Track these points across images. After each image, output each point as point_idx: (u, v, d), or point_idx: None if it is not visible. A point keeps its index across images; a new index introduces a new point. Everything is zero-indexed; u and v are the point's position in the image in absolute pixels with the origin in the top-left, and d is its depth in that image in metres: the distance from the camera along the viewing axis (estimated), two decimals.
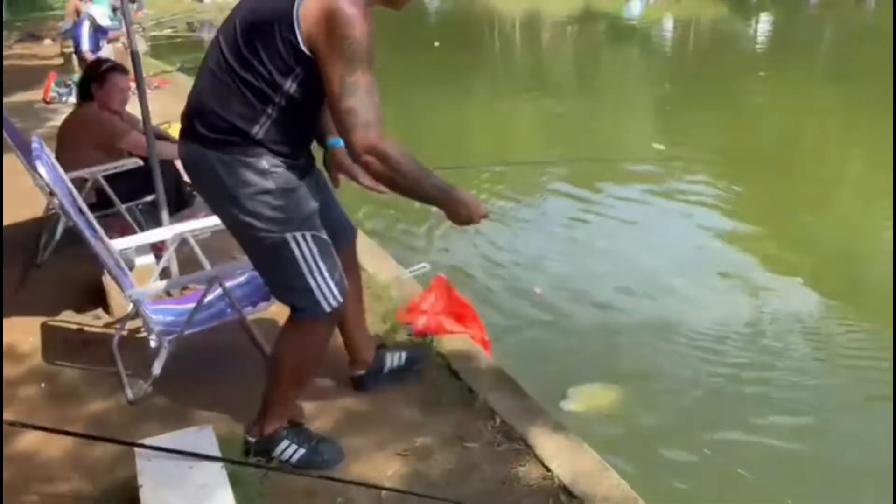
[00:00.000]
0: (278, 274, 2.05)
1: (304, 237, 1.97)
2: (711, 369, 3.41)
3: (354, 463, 2.22)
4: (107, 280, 3.12)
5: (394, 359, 2.57)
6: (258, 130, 1.87)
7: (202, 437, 2.01)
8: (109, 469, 2.19)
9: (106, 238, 2.77)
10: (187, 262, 3.16)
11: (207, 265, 2.94)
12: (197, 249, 2.98)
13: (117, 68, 3.94)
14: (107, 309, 3.15)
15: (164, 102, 7.91)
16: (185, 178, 4.22)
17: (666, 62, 13.35)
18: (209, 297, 2.69)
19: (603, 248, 4.85)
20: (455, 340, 2.83)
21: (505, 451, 2.25)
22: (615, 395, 3.13)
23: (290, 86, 1.83)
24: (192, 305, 2.61)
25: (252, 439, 2.19)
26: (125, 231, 3.74)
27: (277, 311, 2.76)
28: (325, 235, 2.04)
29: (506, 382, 2.57)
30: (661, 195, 5.87)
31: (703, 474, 2.73)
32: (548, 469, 2.14)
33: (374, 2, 1.85)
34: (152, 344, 2.55)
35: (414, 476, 2.16)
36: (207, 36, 17.19)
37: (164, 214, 3.24)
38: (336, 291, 2.02)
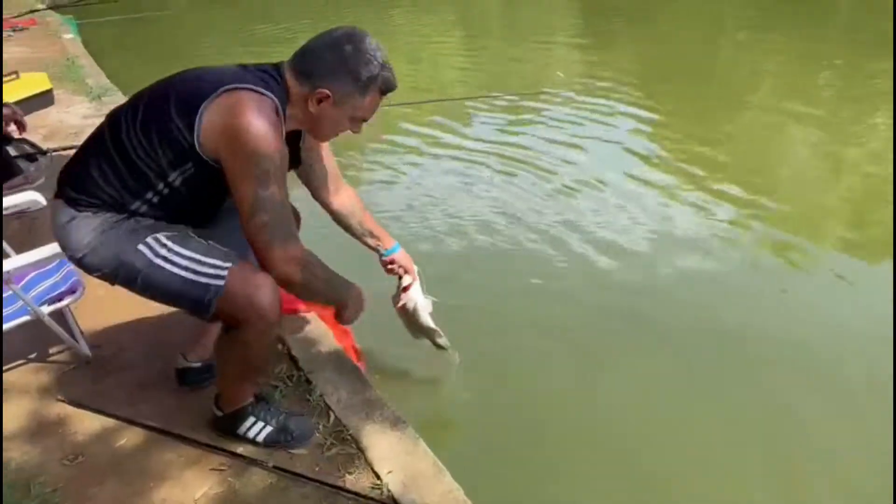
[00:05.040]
0: (167, 295, 1.81)
1: (155, 239, 1.79)
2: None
3: (161, 484, 1.94)
4: None
5: None
6: (137, 206, 1.79)
7: None
8: None
9: None
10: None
11: (12, 253, 2.56)
12: None
13: None
14: None
15: (27, 46, 7.23)
16: (21, 136, 3.83)
17: None
18: (4, 295, 2.33)
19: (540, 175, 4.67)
20: (299, 320, 2.55)
21: (334, 455, 2.01)
22: None
23: (175, 178, 1.75)
24: None
25: (219, 414, 2.05)
26: None
27: (111, 298, 2.45)
28: (178, 230, 1.82)
29: (347, 370, 2.31)
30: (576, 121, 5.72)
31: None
32: (378, 477, 1.91)
33: (294, 121, 1.80)
34: None
35: (226, 495, 1.89)
36: None
37: None
38: (219, 262, 1.77)
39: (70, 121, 4.80)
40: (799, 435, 2.42)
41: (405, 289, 2.33)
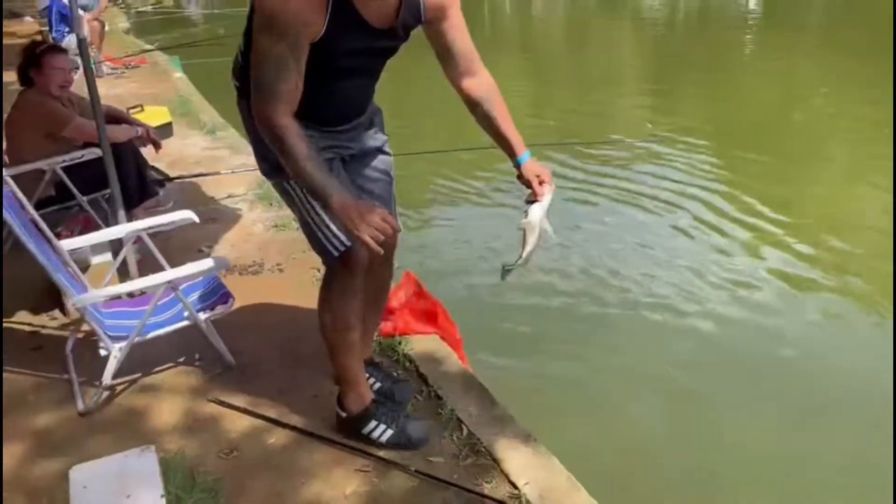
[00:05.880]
0: (300, 225, 2.07)
1: (293, 185, 1.97)
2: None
3: (311, 481, 2.10)
4: None
5: (372, 385, 2.33)
6: None
7: (144, 460, 1.88)
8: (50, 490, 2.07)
9: (54, 239, 2.63)
10: (149, 259, 3.01)
11: (166, 265, 2.79)
12: (154, 249, 2.83)
13: (54, 48, 3.69)
14: (63, 310, 3.00)
15: (140, 82, 7.75)
16: (150, 163, 4.15)
17: (658, 34, 13.11)
18: (163, 301, 2.56)
19: (599, 231, 4.84)
20: (424, 341, 2.70)
21: (470, 465, 2.12)
22: None
23: None
24: (146, 309, 2.48)
25: (343, 415, 2.20)
26: (88, 225, 3.59)
27: (245, 312, 2.64)
28: None
29: (475, 388, 2.44)
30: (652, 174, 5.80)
31: None
32: (515, 487, 2.02)
33: None
34: (101, 352, 2.41)
35: (373, 495, 2.03)
36: (194, 11, 16.84)
37: (121, 212, 3.07)
38: (342, 237, 1.96)
39: (190, 151, 5.15)
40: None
41: (530, 202, 2.06)
